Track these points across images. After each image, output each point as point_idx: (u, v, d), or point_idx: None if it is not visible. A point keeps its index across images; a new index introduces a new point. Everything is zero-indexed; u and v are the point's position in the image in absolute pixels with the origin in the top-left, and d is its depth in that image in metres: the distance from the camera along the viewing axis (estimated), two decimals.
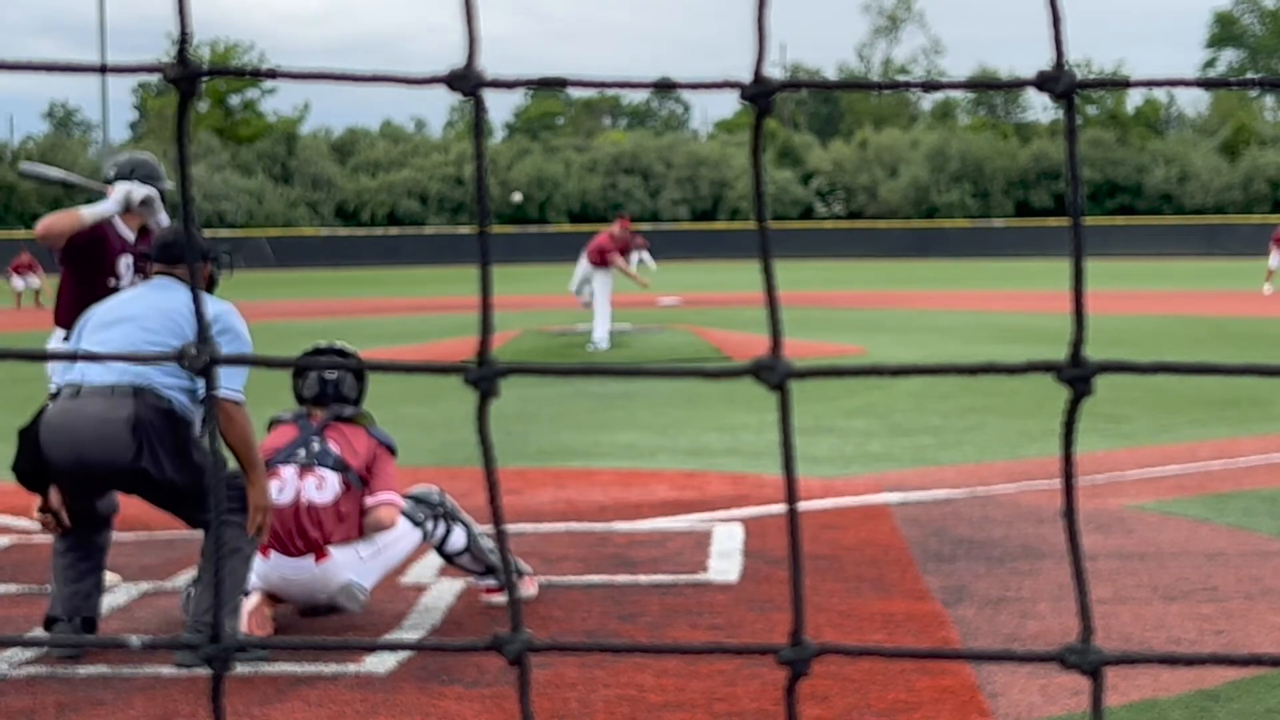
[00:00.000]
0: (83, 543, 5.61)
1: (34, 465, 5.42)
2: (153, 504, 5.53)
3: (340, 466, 6.01)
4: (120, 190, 6.72)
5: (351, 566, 5.92)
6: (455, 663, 5.31)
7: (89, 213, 6.62)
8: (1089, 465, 9.35)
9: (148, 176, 6.86)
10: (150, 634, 5.88)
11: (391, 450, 6.19)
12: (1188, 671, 5.08)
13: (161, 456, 5.31)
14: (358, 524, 6.00)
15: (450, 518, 6.19)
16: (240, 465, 5.49)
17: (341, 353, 6.38)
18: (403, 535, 6.09)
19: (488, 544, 6.28)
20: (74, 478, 5.42)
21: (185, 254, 5.55)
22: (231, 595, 5.42)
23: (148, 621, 6.10)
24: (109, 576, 6.69)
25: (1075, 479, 1.23)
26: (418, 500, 6.20)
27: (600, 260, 19.96)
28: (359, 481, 6.03)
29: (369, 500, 6.04)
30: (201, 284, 5.77)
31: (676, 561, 6.99)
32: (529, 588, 6.39)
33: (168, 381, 5.42)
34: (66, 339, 6.58)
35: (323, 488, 5.97)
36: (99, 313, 5.73)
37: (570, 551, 7.24)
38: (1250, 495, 8.45)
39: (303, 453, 6.04)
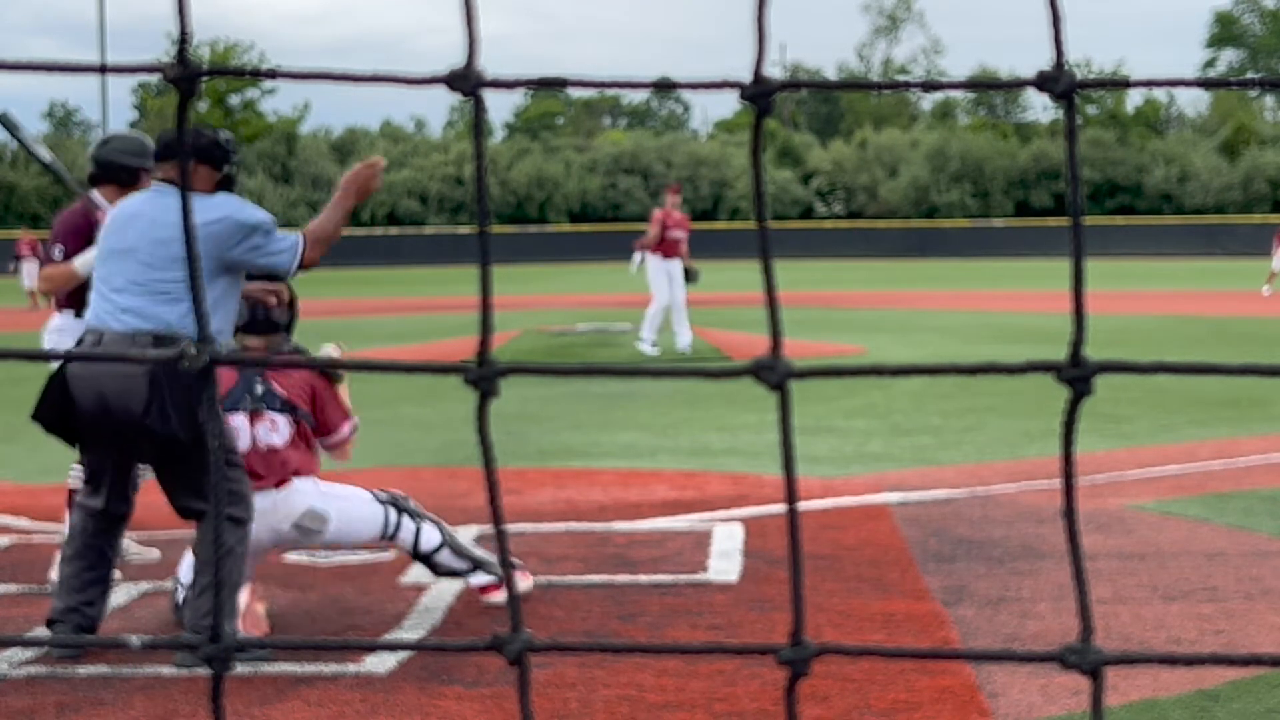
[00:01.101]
0: (91, 548, 5.58)
1: (60, 412, 5.42)
2: (155, 472, 5.52)
3: (288, 408, 6.01)
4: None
5: (312, 494, 5.93)
6: (455, 663, 5.31)
7: (82, 266, 6.65)
8: (1089, 465, 9.35)
9: (136, 154, 6.88)
10: (150, 634, 5.88)
11: (330, 378, 6.18)
12: (1188, 671, 5.08)
13: (170, 412, 5.28)
14: (315, 460, 6.03)
15: (417, 516, 6.12)
16: (337, 215, 5.64)
17: (270, 276, 6.35)
18: (362, 499, 6.05)
19: (463, 540, 6.24)
20: (95, 428, 5.40)
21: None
22: (230, 596, 5.42)
23: (148, 621, 6.10)
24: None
25: (1075, 479, 1.23)
26: (384, 497, 6.18)
27: (667, 250, 18.11)
28: (310, 419, 6.04)
29: (327, 440, 6.10)
30: (205, 188, 5.63)
31: (676, 561, 6.99)
32: (524, 581, 6.36)
33: (185, 323, 5.42)
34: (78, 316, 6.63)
35: (275, 429, 5.96)
36: (109, 236, 5.62)
37: (570, 551, 7.24)
38: (1250, 495, 8.45)
39: (248, 398, 6.02)
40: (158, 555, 7.17)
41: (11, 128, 7.19)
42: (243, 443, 5.88)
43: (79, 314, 6.77)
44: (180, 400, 5.29)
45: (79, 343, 5.56)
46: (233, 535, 5.45)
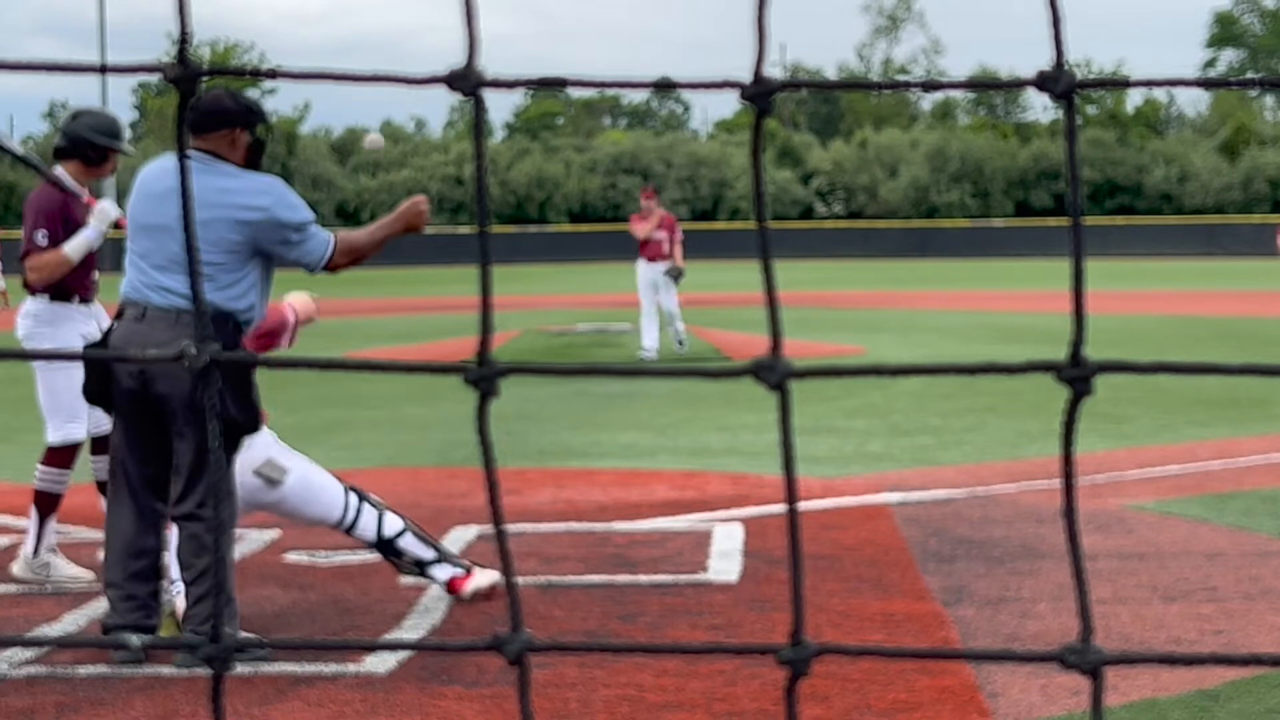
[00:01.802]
0: (136, 543, 5.48)
1: (102, 385, 5.42)
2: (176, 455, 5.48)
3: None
4: (100, 215, 6.70)
5: (272, 446, 5.91)
6: (455, 663, 5.31)
7: (73, 251, 6.61)
8: (1089, 465, 9.35)
9: (108, 133, 6.80)
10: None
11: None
12: (1188, 671, 5.08)
13: (227, 395, 5.26)
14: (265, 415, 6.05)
15: (379, 506, 6.06)
16: (377, 236, 5.68)
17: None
18: (326, 474, 6.02)
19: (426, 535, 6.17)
20: (135, 404, 5.39)
21: (217, 120, 5.58)
22: (229, 598, 5.41)
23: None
24: (84, 573, 6.70)
25: (1075, 479, 1.23)
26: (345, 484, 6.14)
27: (652, 253, 18.18)
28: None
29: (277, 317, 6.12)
30: (232, 154, 5.60)
31: (676, 561, 6.99)
32: (480, 580, 6.13)
33: (228, 304, 5.43)
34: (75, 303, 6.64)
35: None
36: (143, 208, 5.56)
37: (570, 551, 7.24)
38: (1250, 495, 8.45)
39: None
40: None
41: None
42: None
43: (54, 298, 6.74)
44: (234, 383, 5.28)
45: (119, 314, 5.48)
46: (225, 539, 5.44)
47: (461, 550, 7.22)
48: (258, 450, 5.84)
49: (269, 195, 5.48)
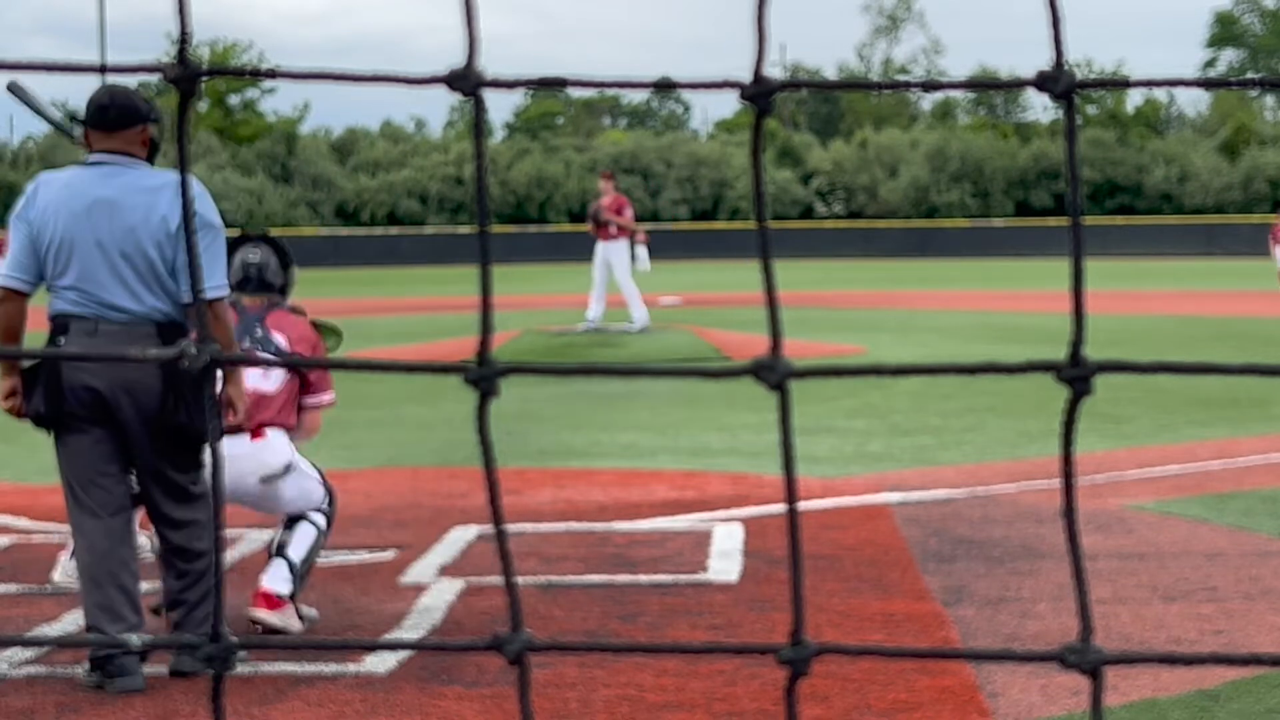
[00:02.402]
0: (112, 552, 5.26)
1: (55, 408, 5.18)
2: (141, 468, 5.30)
3: (282, 355, 5.97)
4: None
5: (285, 454, 5.87)
6: (455, 663, 5.31)
7: None
8: (1089, 465, 9.35)
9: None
10: (150, 634, 5.87)
11: (336, 334, 6.15)
12: (1188, 671, 5.08)
13: (192, 408, 5.17)
14: (294, 417, 5.95)
15: (330, 521, 6.03)
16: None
17: (266, 238, 6.28)
18: (317, 479, 6.00)
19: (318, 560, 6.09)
20: (96, 417, 5.18)
21: (127, 117, 5.11)
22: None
23: (147, 621, 6.09)
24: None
25: (1075, 479, 1.23)
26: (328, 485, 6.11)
27: (602, 234, 20.82)
28: (302, 381, 5.98)
29: (308, 400, 5.98)
30: (141, 151, 5.32)
31: (676, 561, 6.99)
32: (276, 620, 5.83)
33: (170, 307, 5.26)
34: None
35: (268, 375, 5.85)
36: (67, 220, 5.23)
37: (570, 551, 7.24)
38: (1250, 495, 8.45)
39: (247, 339, 5.95)
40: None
41: (25, 101, 6.92)
42: None
43: None
44: (193, 391, 5.18)
45: (61, 330, 5.24)
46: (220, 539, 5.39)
47: (461, 550, 7.22)
48: (269, 457, 5.81)
49: (202, 200, 5.26)
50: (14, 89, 6.92)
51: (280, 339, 5.99)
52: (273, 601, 5.79)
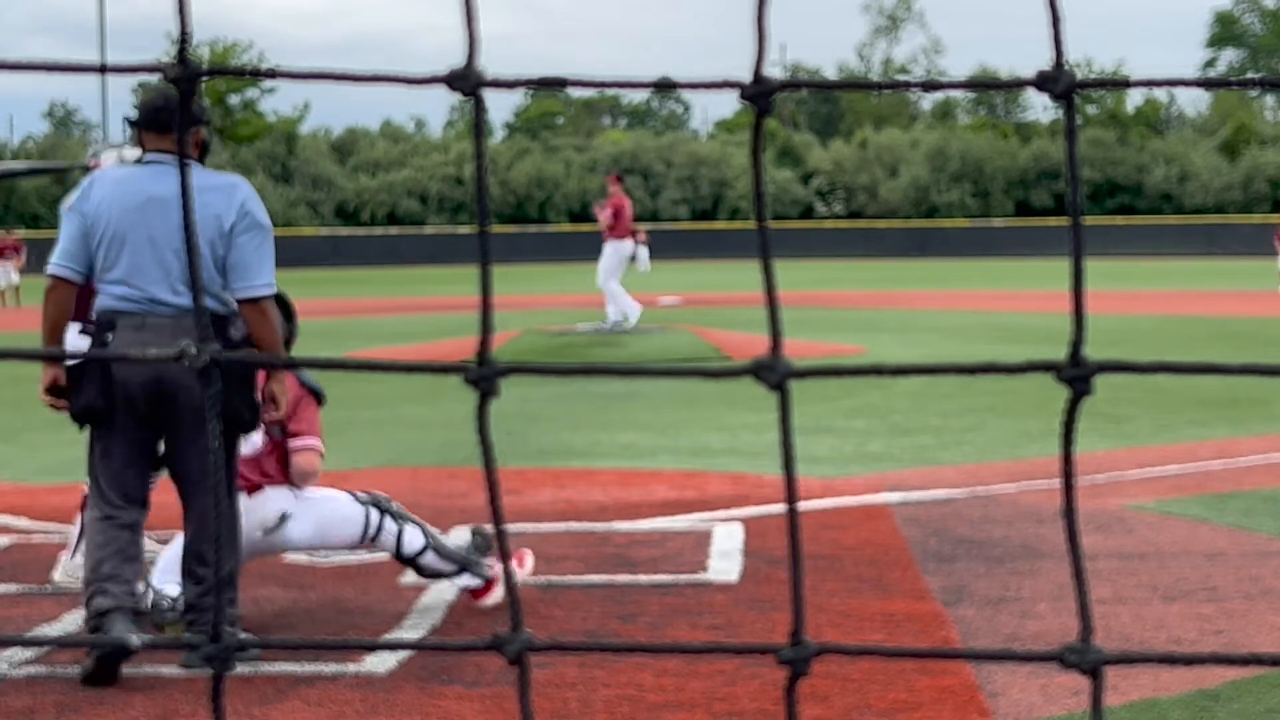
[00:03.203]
0: (120, 534, 5.38)
1: (105, 400, 5.27)
2: (177, 463, 5.41)
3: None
4: None
5: (285, 501, 5.87)
6: (455, 663, 5.31)
7: None
8: (1089, 465, 9.35)
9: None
10: (150, 634, 5.88)
11: (318, 397, 6.01)
12: (1188, 671, 5.08)
13: (232, 394, 5.24)
14: (283, 474, 5.93)
15: (400, 517, 6.05)
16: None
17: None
18: (341, 500, 5.98)
19: (449, 543, 6.16)
20: (141, 413, 5.29)
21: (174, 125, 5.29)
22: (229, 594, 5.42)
23: (147, 621, 6.09)
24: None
25: (1075, 479, 1.23)
26: (364, 498, 6.11)
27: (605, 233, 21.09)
28: (280, 432, 5.92)
29: (293, 444, 5.93)
30: (194, 153, 5.49)
31: (676, 561, 6.99)
32: (517, 569, 6.25)
33: (215, 303, 5.37)
34: (82, 333, 6.37)
35: (246, 439, 5.82)
36: (120, 215, 5.36)
37: (570, 551, 7.24)
38: (1250, 495, 8.45)
39: None
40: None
41: (9, 175, 7.00)
42: None
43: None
44: (238, 377, 5.26)
45: (109, 326, 5.36)
46: (230, 533, 5.44)
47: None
48: (268, 507, 5.83)
49: (251, 201, 5.43)
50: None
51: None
52: (477, 594, 6.14)
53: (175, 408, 5.30)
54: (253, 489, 5.84)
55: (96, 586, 5.29)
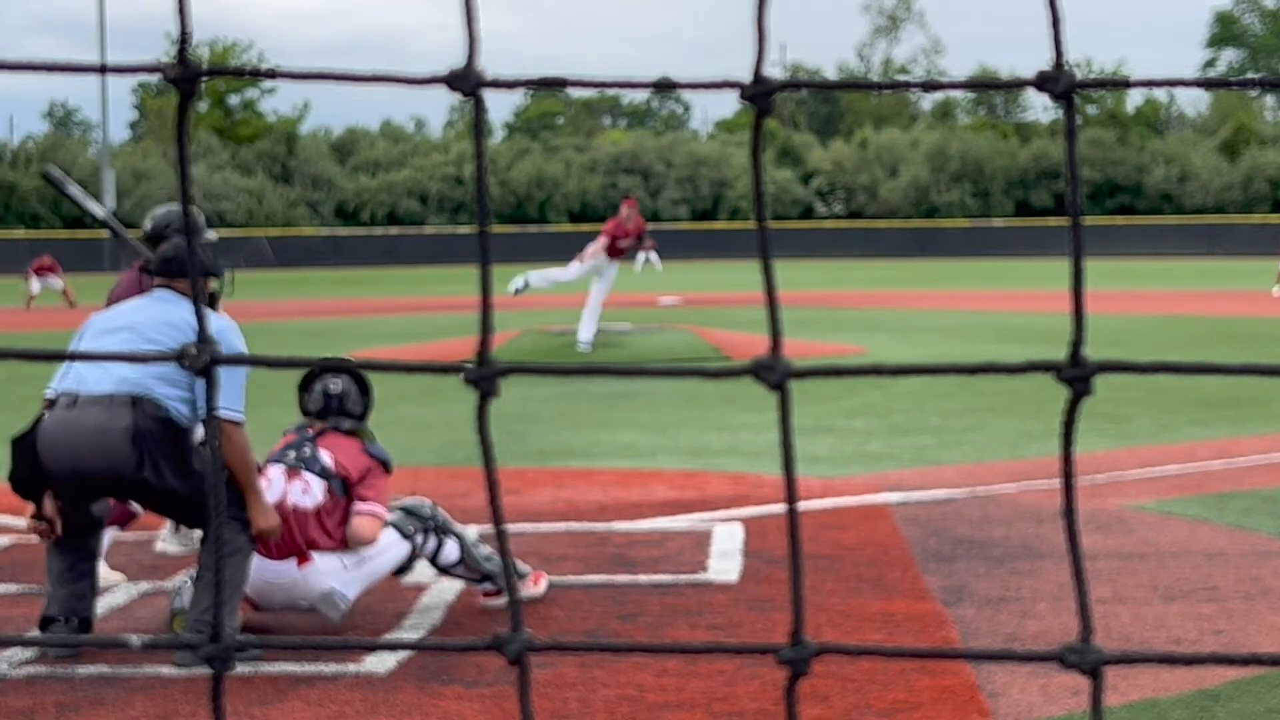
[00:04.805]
0: (77, 546, 5.61)
1: (30, 474, 5.44)
2: (153, 510, 5.57)
3: (326, 474, 5.90)
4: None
5: (334, 574, 5.84)
6: (455, 663, 5.31)
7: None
8: (1089, 465, 9.35)
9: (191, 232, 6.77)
10: (150, 634, 5.88)
11: (386, 466, 6.05)
12: (1188, 671, 5.08)
13: (162, 466, 5.31)
14: (341, 534, 5.90)
15: (442, 531, 6.07)
16: (238, 487, 5.49)
17: (345, 368, 6.31)
18: (389, 547, 5.98)
19: (483, 552, 6.16)
20: (72, 487, 5.43)
21: (186, 268, 5.62)
22: (231, 595, 5.43)
23: (148, 621, 6.10)
24: (112, 575, 6.69)
25: (1075, 479, 1.23)
26: (408, 512, 6.08)
27: (613, 250, 19.56)
28: (343, 490, 5.91)
29: (358, 507, 5.94)
30: (204, 299, 5.71)
31: (676, 561, 6.99)
32: (532, 587, 6.34)
33: (167, 391, 5.42)
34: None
35: (307, 492, 5.87)
36: (99, 320, 5.75)
37: (570, 551, 7.24)
38: (1250, 495, 8.45)
39: (292, 455, 5.98)
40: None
41: (60, 189, 7.21)
42: (272, 496, 5.80)
43: None
44: (169, 450, 5.34)
45: (50, 404, 5.51)
46: (238, 534, 5.46)
47: None
48: (315, 582, 5.83)
49: (230, 334, 5.60)
50: (49, 178, 7.19)
51: (326, 457, 5.99)
52: (488, 593, 6.26)
53: (101, 491, 5.47)
54: (302, 558, 5.82)
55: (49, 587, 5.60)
